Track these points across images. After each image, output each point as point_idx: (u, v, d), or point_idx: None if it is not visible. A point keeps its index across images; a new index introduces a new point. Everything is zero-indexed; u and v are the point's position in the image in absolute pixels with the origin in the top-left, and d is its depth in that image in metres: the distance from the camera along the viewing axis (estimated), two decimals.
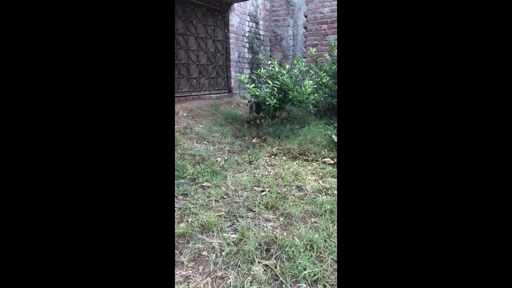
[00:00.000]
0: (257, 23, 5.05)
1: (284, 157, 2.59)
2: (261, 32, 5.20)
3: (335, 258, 1.27)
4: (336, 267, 1.23)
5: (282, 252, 1.32)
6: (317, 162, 2.48)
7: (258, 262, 1.26)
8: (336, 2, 4.34)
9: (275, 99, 3.20)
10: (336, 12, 4.47)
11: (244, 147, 2.95)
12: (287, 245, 1.35)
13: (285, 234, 1.47)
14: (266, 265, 1.24)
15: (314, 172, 2.28)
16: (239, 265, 1.24)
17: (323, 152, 2.65)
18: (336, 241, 1.38)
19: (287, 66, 3.49)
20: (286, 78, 3.23)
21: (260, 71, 3.50)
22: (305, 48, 5.06)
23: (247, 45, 4.93)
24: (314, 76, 3.63)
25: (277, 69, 3.37)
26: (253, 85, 3.38)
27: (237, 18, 4.66)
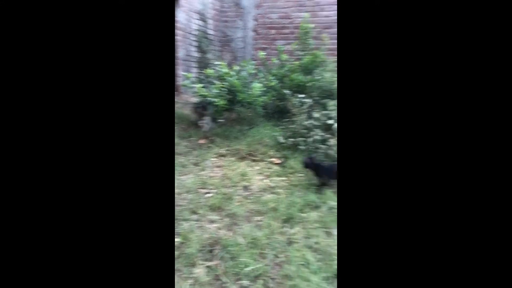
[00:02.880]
0: (205, 22, 4.98)
1: (232, 158, 2.60)
2: (210, 32, 5.14)
3: (276, 254, 1.32)
4: (276, 261, 1.28)
5: (225, 252, 1.32)
6: (264, 162, 2.55)
7: (200, 264, 1.24)
8: (283, 10, 4.54)
9: (224, 100, 3.19)
10: (284, 19, 4.66)
11: (190, 148, 2.88)
12: (230, 245, 1.36)
13: (229, 234, 1.48)
14: (209, 266, 1.23)
15: (261, 172, 2.34)
16: (180, 269, 1.20)
17: (270, 153, 2.73)
18: (278, 237, 1.43)
19: (236, 68, 3.51)
20: (235, 79, 3.25)
21: (208, 71, 3.46)
22: (254, 51, 5.15)
23: (195, 43, 4.83)
24: (263, 79, 3.72)
25: (225, 70, 3.37)
26: (201, 85, 3.33)
27: (184, 14, 4.53)
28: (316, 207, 1.72)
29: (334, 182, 1.99)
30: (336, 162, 2.08)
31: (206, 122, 3.53)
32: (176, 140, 2.98)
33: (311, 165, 1.98)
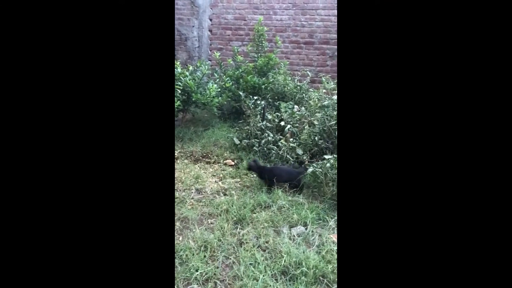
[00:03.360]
0: None
1: (186, 161, 2.57)
2: None
3: (227, 255, 1.36)
4: (227, 263, 1.32)
5: (176, 257, 1.31)
6: (219, 164, 2.56)
7: None
8: (238, 11, 4.57)
9: (178, 101, 3.12)
10: (239, 20, 4.69)
11: None
12: (181, 250, 1.36)
13: (180, 238, 1.47)
14: None
15: (215, 174, 2.35)
16: None
17: (225, 154, 2.75)
18: (229, 239, 1.47)
19: (190, 68, 3.45)
20: (189, 80, 3.20)
21: None
22: (210, 51, 5.11)
23: None
24: (218, 80, 3.72)
25: (179, 70, 3.30)
26: None
27: None
28: (267, 207, 1.80)
29: (278, 184, 2.08)
30: (277, 165, 2.20)
31: None
32: None
33: (255, 167, 2.06)
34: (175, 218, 1.65)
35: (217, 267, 1.28)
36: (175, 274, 1.21)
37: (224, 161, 2.60)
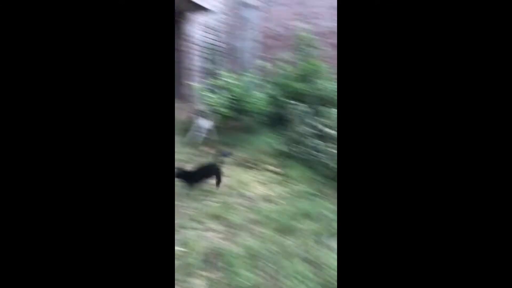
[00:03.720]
0: (212, 34, 5.11)
1: (233, 166, 2.68)
2: (216, 43, 5.27)
3: (270, 264, 1.39)
4: (270, 272, 1.35)
5: (223, 263, 1.38)
6: (264, 171, 2.61)
7: (199, 275, 1.31)
8: (282, 20, 4.62)
9: (227, 109, 3.29)
10: (283, 29, 4.73)
11: (191, 155, 2.97)
12: (229, 255, 1.42)
13: (228, 244, 1.54)
14: (207, 277, 1.30)
15: (260, 180, 2.40)
16: (178, 279, 1.28)
17: (271, 161, 2.79)
18: (276, 248, 1.49)
19: (239, 78, 3.61)
20: (238, 88, 3.35)
21: (212, 81, 3.56)
22: (256, 60, 5.26)
23: (201, 55, 4.96)
24: (265, 88, 3.81)
25: (229, 79, 3.47)
26: (206, 93, 3.44)
27: (192, 28, 4.67)
28: (311, 217, 1.77)
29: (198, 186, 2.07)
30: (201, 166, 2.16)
31: (209, 130, 3.62)
32: (178, 149, 3.08)
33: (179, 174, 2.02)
34: (219, 222, 1.73)
35: (260, 276, 1.31)
36: (224, 280, 1.28)
37: (270, 168, 2.64)
